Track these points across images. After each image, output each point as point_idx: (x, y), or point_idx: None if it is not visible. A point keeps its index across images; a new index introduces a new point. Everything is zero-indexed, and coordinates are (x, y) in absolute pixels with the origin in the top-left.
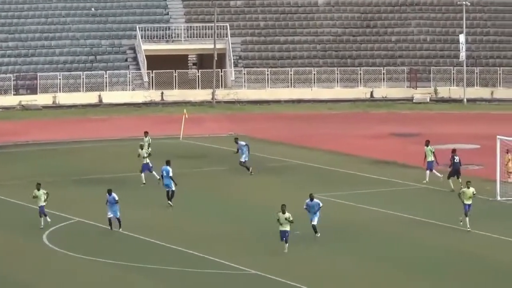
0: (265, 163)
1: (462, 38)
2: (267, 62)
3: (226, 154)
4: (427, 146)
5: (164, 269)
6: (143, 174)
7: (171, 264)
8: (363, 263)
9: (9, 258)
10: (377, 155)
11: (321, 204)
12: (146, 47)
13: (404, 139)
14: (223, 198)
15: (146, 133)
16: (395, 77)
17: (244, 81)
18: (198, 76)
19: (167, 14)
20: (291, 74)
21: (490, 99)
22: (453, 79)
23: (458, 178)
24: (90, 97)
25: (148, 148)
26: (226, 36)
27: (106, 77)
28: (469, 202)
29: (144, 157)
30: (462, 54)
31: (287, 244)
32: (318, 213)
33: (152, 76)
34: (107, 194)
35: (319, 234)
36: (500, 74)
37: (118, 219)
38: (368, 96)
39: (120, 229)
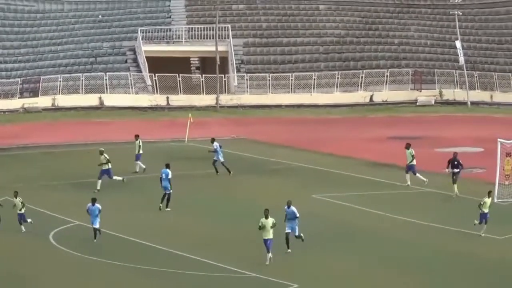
0: (267, 165)
1: (458, 44)
2: (269, 67)
3: (230, 156)
4: (408, 149)
5: (164, 271)
6: (100, 180)
7: (171, 266)
8: (361, 264)
9: (13, 257)
10: (377, 158)
11: (297, 215)
12: (146, 48)
13: (405, 142)
14: (228, 199)
15: (136, 136)
16: (398, 79)
17: (247, 87)
18: (202, 81)
19: (170, 17)
20: (291, 80)
21: (491, 102)
22: (457, 82)
23: (454, 183)
24: (90, 100)
25: (140, 151)
26: (228, 38)
27: (106, 79)
28: (487, 210)
29: (104, 164)
30: (461, 59)
31: (270, 254)
32: (296, 227)
33: (155, 80)
34: (90, 204)
35: (303, 238)
36: (496, 79)
37: (98, 229)
38: (368, 100)
39: (95, 240)
